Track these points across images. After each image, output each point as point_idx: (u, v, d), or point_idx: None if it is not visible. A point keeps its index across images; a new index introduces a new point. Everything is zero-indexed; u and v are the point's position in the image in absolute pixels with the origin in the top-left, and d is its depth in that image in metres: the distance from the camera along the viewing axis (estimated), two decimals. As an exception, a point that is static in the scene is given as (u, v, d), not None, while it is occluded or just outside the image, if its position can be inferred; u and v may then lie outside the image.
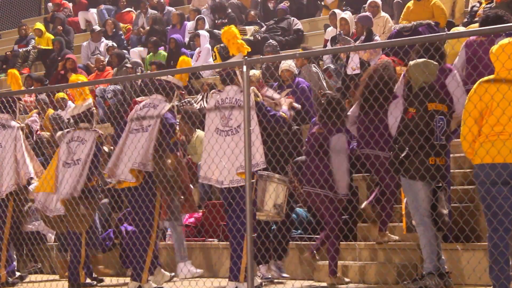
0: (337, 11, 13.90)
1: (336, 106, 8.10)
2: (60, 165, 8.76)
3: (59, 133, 9.53)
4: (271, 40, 14.28)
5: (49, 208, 8.75)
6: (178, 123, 8.35)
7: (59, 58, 17.10)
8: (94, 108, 9.04)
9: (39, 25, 19.10)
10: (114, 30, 18.11)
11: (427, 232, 7.26)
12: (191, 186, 8.90)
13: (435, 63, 7.53)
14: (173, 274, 8.53)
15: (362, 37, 11.57)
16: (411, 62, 7.55)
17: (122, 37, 18.00)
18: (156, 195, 7.98)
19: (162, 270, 8.36)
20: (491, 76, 6.22)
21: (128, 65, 14.01)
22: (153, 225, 7.96)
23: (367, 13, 12.39)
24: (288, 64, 11.49)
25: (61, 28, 19.09)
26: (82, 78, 9.40)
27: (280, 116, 7.87)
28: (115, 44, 16.88)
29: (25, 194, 9.25)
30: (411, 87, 7.47)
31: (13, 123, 9.33)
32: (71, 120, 9.02)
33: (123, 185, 8.11)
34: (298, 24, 15.59)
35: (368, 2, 13.14)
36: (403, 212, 7.92)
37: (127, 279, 8.90)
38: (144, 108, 8.17)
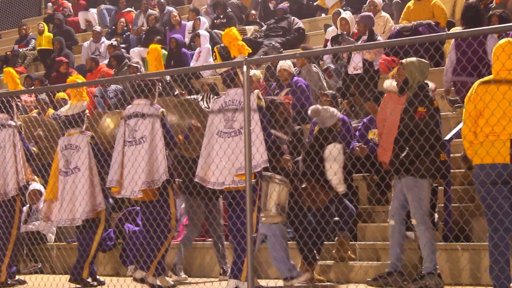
0: (340, 10, 13.94)
1: None
2: (58, 173, 8.77)
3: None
4: (273, 43, 14.34)
5: (50, 217, 8.73)
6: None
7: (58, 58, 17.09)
8: (87, 110, 8.99)
9: (43, 23, 19.15)
10: (125, 27, 18.22)
11: (427, 231, 7.26)
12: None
13: (427, 62, 7.55)
14: (173, 283, 8.53)
15: (364, 37, 11.53)
16: (407, 60, 7.51)
17: (130, 37, 18.01)
18: (169, 201, 8.03)
19: (166, 277, 8.36)
20: (491, 76, 6.23)
21: (134, 64, 14.00)
22: (170, 225, 8.04)
23: (369, 13, 12.37)
24: (288, 65, 11.48)
25: (58, 22, 19.18)
26: (81, 78, 9.37)
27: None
28: (116, 44, 16.86)
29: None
30: (407, 82, 7.42)
31: (11, 122, 9.29)
32: (63, 119, 8.92)
33: (136, 198, 8.17)
34: (299, 23, 15.58)
35: (367, 1, 13.15)
36: None
37: (128, 279, 8.91)
38: (133, 118, 8.10)
